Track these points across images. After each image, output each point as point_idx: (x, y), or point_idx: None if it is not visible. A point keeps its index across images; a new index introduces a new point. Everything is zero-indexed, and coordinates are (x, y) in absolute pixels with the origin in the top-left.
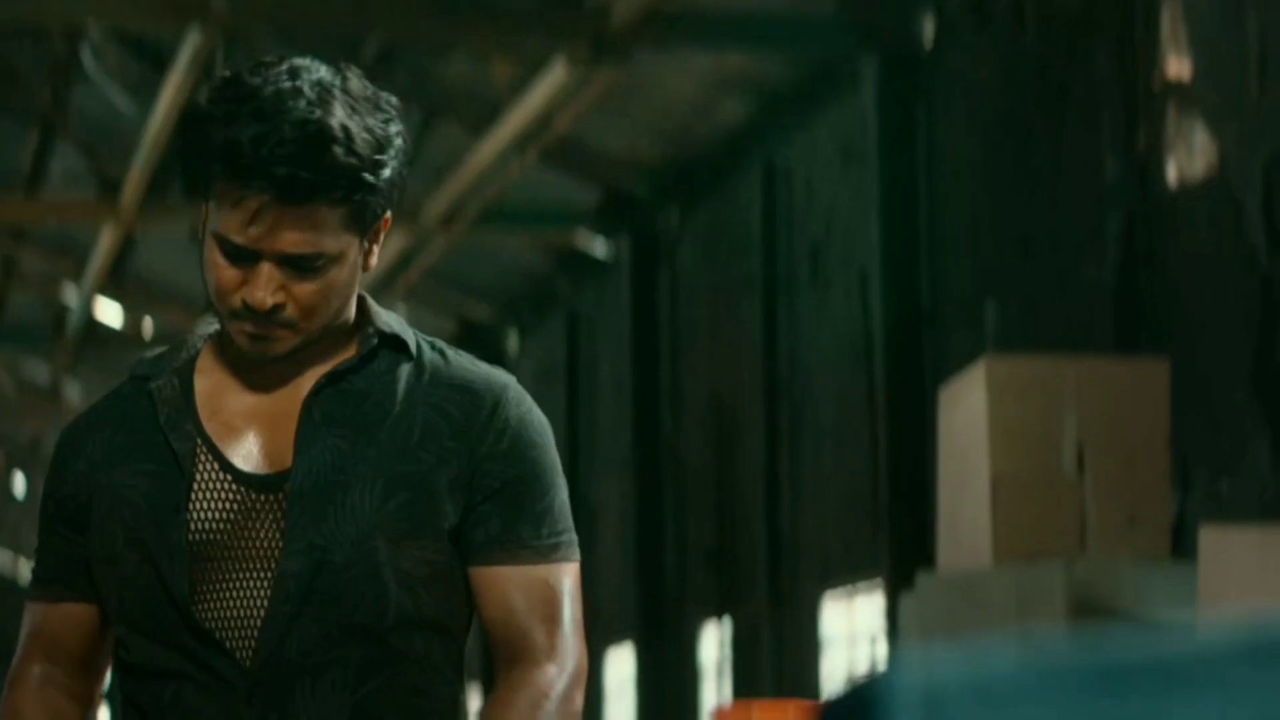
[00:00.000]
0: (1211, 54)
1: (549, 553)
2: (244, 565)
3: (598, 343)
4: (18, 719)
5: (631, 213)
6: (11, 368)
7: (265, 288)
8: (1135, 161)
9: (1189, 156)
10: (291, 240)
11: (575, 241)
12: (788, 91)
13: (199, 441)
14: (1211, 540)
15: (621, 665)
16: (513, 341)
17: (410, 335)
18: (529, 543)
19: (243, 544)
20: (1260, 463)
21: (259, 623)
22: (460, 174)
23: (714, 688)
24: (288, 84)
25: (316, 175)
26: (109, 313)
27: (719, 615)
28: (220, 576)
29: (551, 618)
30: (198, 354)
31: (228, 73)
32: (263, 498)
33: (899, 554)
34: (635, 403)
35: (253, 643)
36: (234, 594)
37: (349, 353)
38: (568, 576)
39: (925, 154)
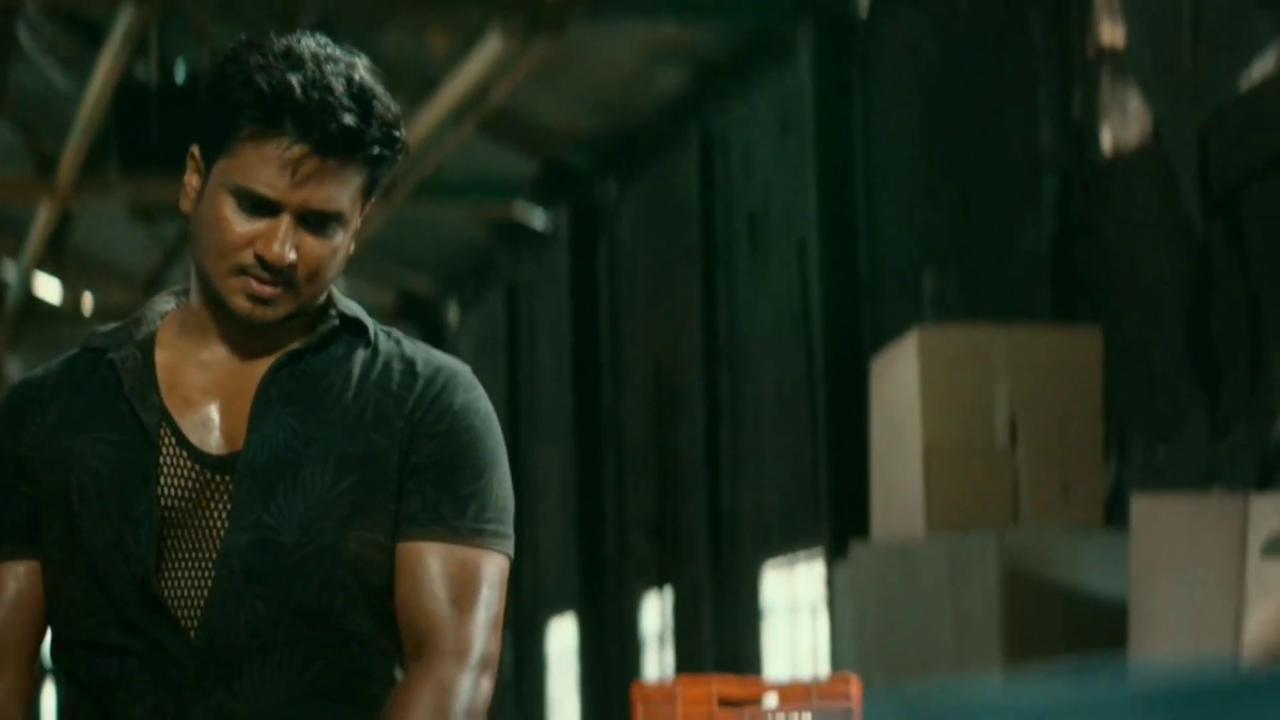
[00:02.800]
0: (1146, 20)
1: (471, 536)
2: (199, 544)
3: (537, 314)
4: None
5: (570, 184)
6: None
7: (284, 242)
8: (1071, 128)
9: (1124, 123)
10: (320, 195)
11: (514, 213)
12: (724, 61)
13: (161, 416)
14: (1144, 509)
15: (563, 636)
16: (452, 314)
17: (369, 321)
18: (450, 522)
19: (198, 522)
20: (1196, 430)
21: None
22: None
23: (656, 658)
24: (316, 45)
25: (362, 128)
26: (48, 289)
27: (660, 585)
28: (176, 552)
29: (462, 601)
30: (156, 329)
31: (243, 37)
32: (216, 478)
33: (838, 524)
34: (575, 374)
35: (198, 619)
36: (187, 570)
37: (305, 334)
38: (490, 564)
39: (862, 123)
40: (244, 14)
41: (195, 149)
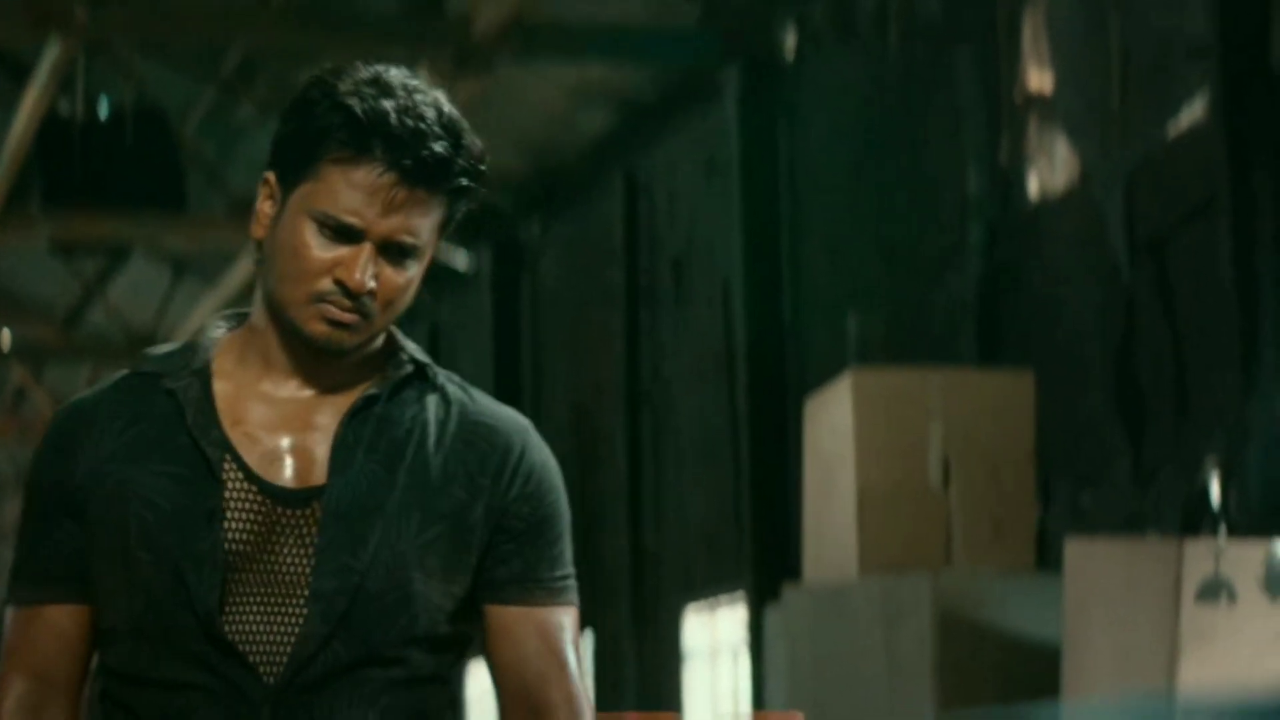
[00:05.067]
0: (1073, 65)
1: (560, 594)
2: (270, 581)
3: (459, 354)
4: None
5: (493, 224)
6: None
7: (365, 269)
8: (998, 173)
9: (1051, 168)
10: (404, 226)
11: (436, 253)
12: (650, 102)
13: (226, 450)
14: (1077, 552)
15: (482, 675)
16: None
17: (436, 367)
18: (546, 585)
19: (268, 559)
20: (1121, 476)
21: (290, 640)
22: None
23: None
24: (403, 75)
25: (452, 156)
26: None
27: (581, 627)
28: (246, 590)
29: (566, 661)
30: (212, 357)
31: (328, 65)
32: (289, 513)
33: (761, 567)
34: None
35: (282, 659)
36: (261, 609)
37: (372, 375)
38: (573, 617)
39: (788, 165)
40: (171, 51)
41: (270, 175)
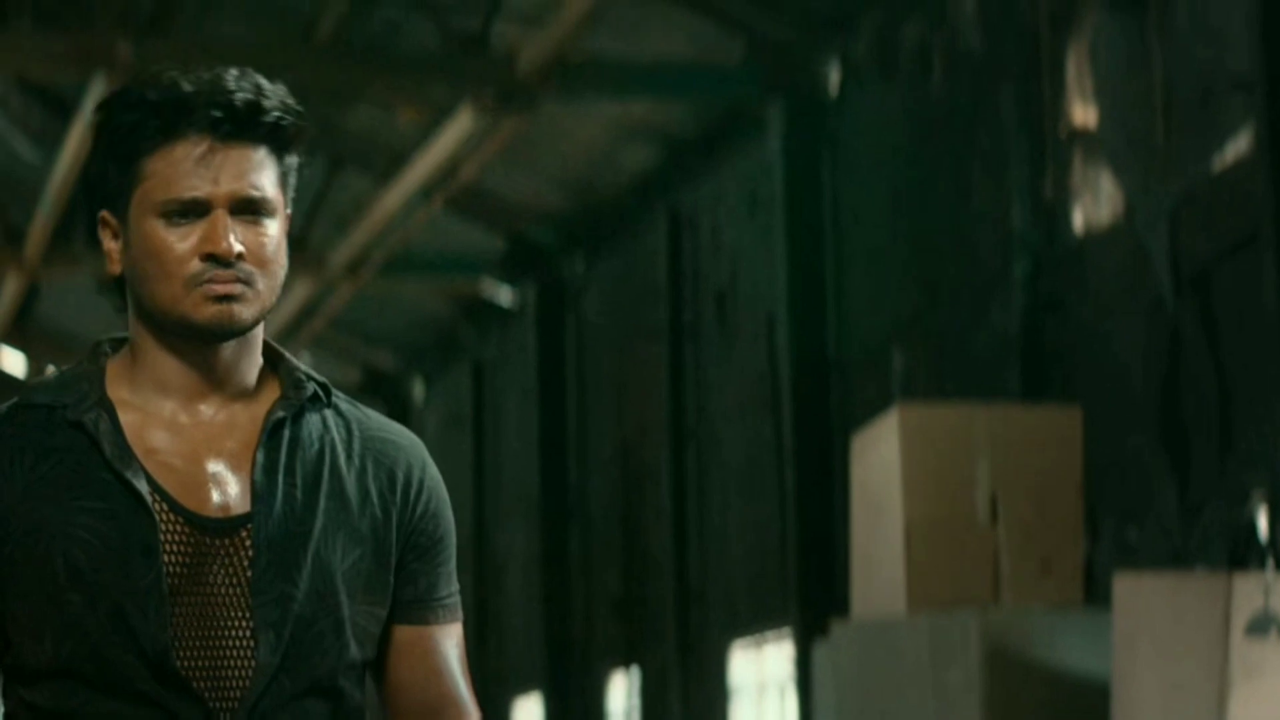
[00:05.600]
0: (1117, 100)
1: (454, 610)
2: (207, 613)
3: (503, 391)
4: None
5: (537, 261)
6: None
7: (226, 234)
8: (1042, 208)
9: (1095, 202)
10: (241, 182)
11: (481, 290)
12: (693, 139)
13: (149, 482)
14: (1125, 587)
15: (529, 715)
16: (418, 390)
17: (329, 385)
18: (444, 601)
19: (201, 590)
20: (1167, 510)
21: (239, 672)
22: (366, 222)
23: None
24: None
25: (258, 100)
26: (12, 361)
27: (627, 664)
28: (186, 624)
29: (459, 682)
30: (106, 388)
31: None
32: (217, 542)
33: (807, 603)
34: (541, 451)
35: (234, 692)
36: (204, 643)
37: (272, 394)
38: (460, 633)
39: (831, 201)
40: None
41: (102, 213)
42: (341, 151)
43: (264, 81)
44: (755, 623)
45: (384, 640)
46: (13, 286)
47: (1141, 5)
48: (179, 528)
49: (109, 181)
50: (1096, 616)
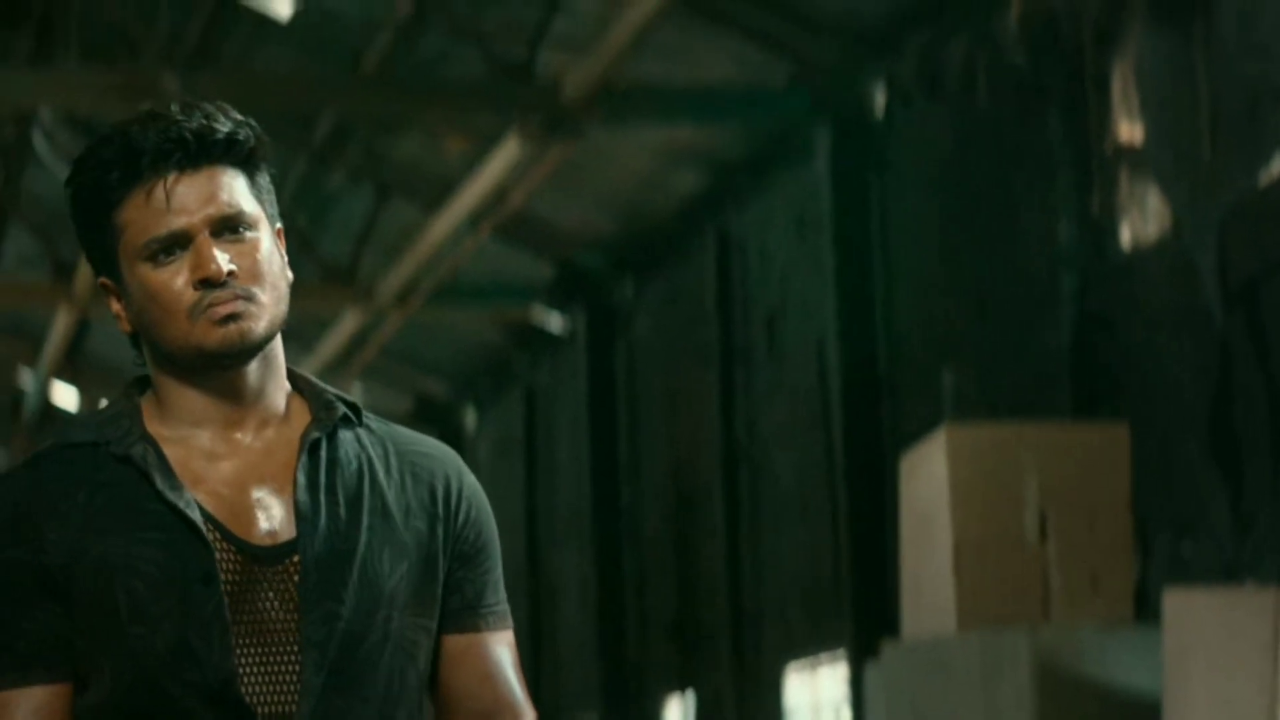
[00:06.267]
0: (1163, 116)
1: (505, 617)
2: (260, 639)
3: (555, 417)
4: None
5: (586, 286)
6: None
7: (211, 256)
8: (1089, 224)
9: (1142, 218)
10: (213, 203)
11: (531, 316)
12: (741, 162)
13: (201, 512)
14: (1176, 603)
15: None
16: (470, 418)
17: (358, 404)
18: (494, 608)
19: (254, 616)
20: (1218, 525)
21: (291, 693)
22: (414, 251)
23: None
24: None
25: (206, 123)
26: (65, 396)
27: (682, 688)
28: (243, 651)
29: (514, 688)
30: (144, 423)
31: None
32: (265, 570)
33: (861, 624)
34: (594, 475)
35: (289, 714)
36: (261, 667)
37: (303, 417)
38: (513, 641)
39: (879, 221)
40: (261, 119)
41: (100, 279)
42: (389, 181)
43: (210, 106)
44: (810, 644)
45: (436, 652)
46: (63, 321)
47: (1187, 20)
48: (231, 555)
49: (95, 247)
50: (1147, 633)
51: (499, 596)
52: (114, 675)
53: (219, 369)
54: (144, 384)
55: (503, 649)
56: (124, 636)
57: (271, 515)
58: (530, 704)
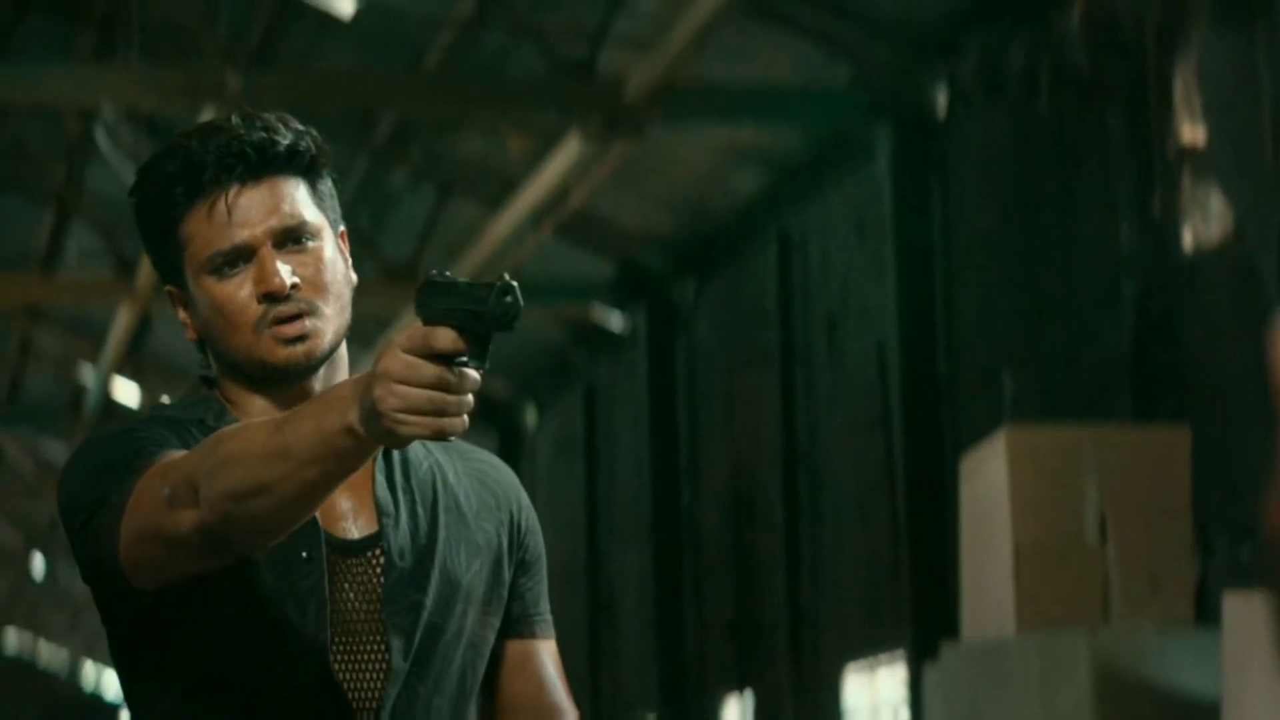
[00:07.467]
0: (1225, 118)
1: (551, 626)
2: (348, 627)
3: (615, 416)
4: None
5: (647, 285)
6: (29, 448)
7: (274, 269)
8: (1151, 227)
9: (1204, 221)
10: (275, 214)
11: (591, 315)
12: (802, 162)
13: None
14: (1237, 606)
15: None
16: (530, 416)
17: None
18: (545, 615)
19: (339, 606)
20: None
21: (378, 680)
22: (475, 250)
23: None
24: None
25: (267, 134)
26: (126, 392)
27: (740, 688)
28: (334, 632)
29: (565, 694)
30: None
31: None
32: (349, 561)
33: (920, 625)
34: (654, 475)
35: (374, 699)
36: (348, 652)
37: None
38: (555, 647)
39: (940, 223)
40: (323, 119)
41: (168, 288)
42: (451, 179)
43: (270, 117)
44: (868, 645)
45: (493, 656)
46: (125, 318)
47: (1249, 20)
48: (318, 547)
49: (160, 258)
50: (1207, 636)
51: (547, 606)
52: (214, 649)
53: (286, 382)
54: (210, 384)
55: (553, 657)
56: (219, 612)
57: (351, 511)
58: (575, 707)
